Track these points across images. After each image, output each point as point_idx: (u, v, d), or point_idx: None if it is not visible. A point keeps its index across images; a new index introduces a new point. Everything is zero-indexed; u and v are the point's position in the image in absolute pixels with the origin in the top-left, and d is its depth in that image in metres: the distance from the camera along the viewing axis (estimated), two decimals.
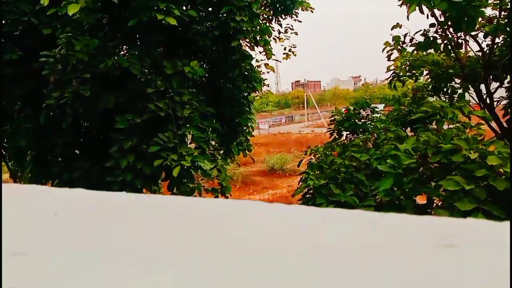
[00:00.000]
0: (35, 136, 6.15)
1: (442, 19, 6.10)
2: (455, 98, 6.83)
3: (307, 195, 5.07)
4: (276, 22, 9.76)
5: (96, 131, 6.28)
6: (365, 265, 0.46)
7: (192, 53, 6.44)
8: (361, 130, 6.37)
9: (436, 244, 0.49)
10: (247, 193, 16.97)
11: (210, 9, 6.52)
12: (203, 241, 0.56)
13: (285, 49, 10.31)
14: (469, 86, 7.10)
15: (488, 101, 7.04)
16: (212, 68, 6.81)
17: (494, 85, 7.13)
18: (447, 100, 6.76)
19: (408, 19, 5.68)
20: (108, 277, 0.46)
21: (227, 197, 6.06)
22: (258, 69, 7.36)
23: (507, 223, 0.52)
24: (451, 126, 4.95)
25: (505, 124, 6.86)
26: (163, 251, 0.52)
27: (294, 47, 10.41)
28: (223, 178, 6.12)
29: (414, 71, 7.40)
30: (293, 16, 9.79)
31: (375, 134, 5.86)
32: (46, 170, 6.31)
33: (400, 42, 6.90)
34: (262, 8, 8.38)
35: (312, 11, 9.93)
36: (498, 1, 6.27)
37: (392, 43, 6.96)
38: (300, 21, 10.06)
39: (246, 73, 6.67)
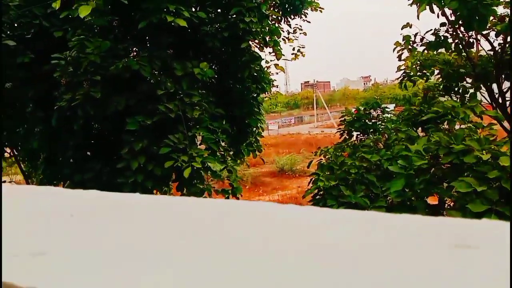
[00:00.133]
0: (46, 138, 6.22)
1: (453, 18, 6.05)
2: (467, 98, 6.76)
3: (317, 197, 5.05)
4: (285, 22, 9.75)
5: (107, 133, 6.33)
6: (378, 266, 0.46)
7: (202, 55, 6.46)
8: (371, 130, 6.34)
9: (452, 245, 0.49)
10: (256, 194, 16.98)
11: (219, 10, 6.54)
12: (215, 241, 0.56)
13: (293, 49, 10.30)
14: (481, 85, 7.03)
15: (500, 100, 6.96)
16: (222, 69, 6.82)
17: (506, 84, 7.05)
18: (458, 100, 6.70)
19: (418, 18, 5.65)
20: (123, 275, 0.47)
21: (237, 198, 6.07)
22: (267, 70, 7.37)
23: None
24: (462, 126, 4.90)
25: None
26: (179, 250, 0.53)
27: (303, 48, 10.38)
28: (233, 179, 6.13)
29: (425, 71, 7.35)
30: (302, 16, 9.77)
31: (385, 135, 5.83)
32: (57, 171, 6.38)
33: (411, 42, 6.85)
34: (271, 9, 8.38)
35: (321, 11, 9.90)
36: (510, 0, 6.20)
37: (402, 42, 6.91)
38: (309, 22, 10.05)
39: (255, 74, 6.67)
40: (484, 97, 7.09)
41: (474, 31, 6.47)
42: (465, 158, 3.81)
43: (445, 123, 5.16)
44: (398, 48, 6.98)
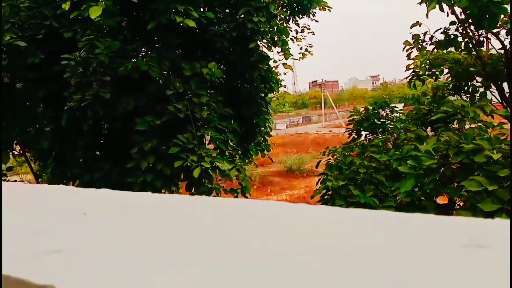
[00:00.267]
0: (57, 138, 6.28)
1: (463, 16, 6.01)
2: (477, 97, 6.70)
3: (326, 197, 5.04)
4: (293, 22, 9.74)
5: (116, 133, 6.37)
6: (390, 266, 0.46)
7: (210, 55, 6.48)
8: (380, 130, 6.31)
9: (465, 244, 0.49)
10: (264, 193, 16.97)
11: (227, 10, 6.55)
12: (225, 240, 0.56)
13: (301, 48, 10.27)
14: (491, 84, 6.96)
15: (510, 99, 6.89)
16: (230, 69, 6.84)
17: None
18: (468, 99, 6.65)
19: (427, 17, 5.61)
20: (137, 273, 0.47)
21: (246, 197, 6.08)
22: (275, 69, 7.37)
23: None
24: (472, 125, 4.86)
25: None
26: (195, 248, 0.53)
27: (311, 47, 10.35)
28: (242, 178, 6.14)
29: (434, 70, 7.29)
30: (310, 15, 9.76)
31: (394, 134, 5.81)
32: (67, 171, 6.44)
33: (420, 41, 6.81)
34: (279, 8, 8.38)
35: (330, 10, 9.87)
36: None
37: (411, 41, 6.87)
38: (318, 21, 10.02)
39: (263, 74, 6.68)
40: (494, 96, 7.02)
41: (484, 30, 6.41)
42: (475, 157, 3.78)
43: (455, 122, 5.13)
44: (407, 47, 6.94)
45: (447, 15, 6.14)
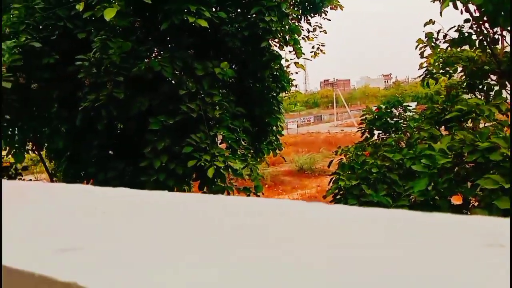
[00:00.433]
0: (71, 137, 6.36)
1: (477, 14, 5.93)
2: (491, 96, 6.61)
3: (338, 196, 5.03)
4: (305, 21, 9.71)
5: (130, 133, 6.43)
6: (410, 265, 0.46)
7: (222, 54, 6.50)
8: (393, 129, 6.26)
9: (485, 244, 0.49)
10: (276, 193, 16.97)
11: (239, 10, 6.56)
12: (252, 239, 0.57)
13: (313, 47, 10.23)
14: (506, 82, 6.86)
15: None
16: (242, 69, 6.85)
17: None
18: (482, 98, 6.56)
19: (441, 15, 5.56)
20: (155, 270, 0.48)
21: (258, 196, 6.08)
22: (286, 69, 7.36)
23: None
24: (487, 124, 4.81)
25: None
26: (210, 248, 0.54)
27: (323, 46, 10.31)
28: (254, 177, 6.16)
29: (447, 68, 7.20)
30: (322, 14, 9.72)
31: (408, 133, 5.76)
32: (81, 170, 6.52)
33: (434, 39, 6.73)
34: (291, 7, 8.36)
35: (342, 9, 9.82)
36: None
37: (425, 40, 6.80)
38: (329, 20, 9.98)
39: (275, 73, 6.68)
40: (509, 94, 6.91)
41: (499, 27, 6.32)
42: (491, 155, 3.74)
43: (469, 121, 5.07)
44: (421, 45, 6.87)
45: (461, 13, 6.07)
